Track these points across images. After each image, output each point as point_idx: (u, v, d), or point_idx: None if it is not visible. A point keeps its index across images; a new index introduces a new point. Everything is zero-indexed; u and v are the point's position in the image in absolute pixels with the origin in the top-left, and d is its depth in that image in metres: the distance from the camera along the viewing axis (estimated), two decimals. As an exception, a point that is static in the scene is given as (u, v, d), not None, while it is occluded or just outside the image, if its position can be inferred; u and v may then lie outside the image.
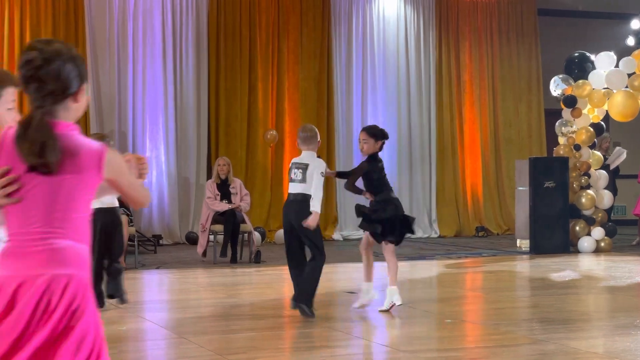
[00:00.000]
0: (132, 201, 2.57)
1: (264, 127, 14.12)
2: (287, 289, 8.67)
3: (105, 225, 6.78)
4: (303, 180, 6.57)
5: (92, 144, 2.38)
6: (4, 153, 2.33)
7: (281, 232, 11.52)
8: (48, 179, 2.31)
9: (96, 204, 2.59)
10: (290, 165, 6.83)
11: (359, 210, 6.99)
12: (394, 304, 6.83)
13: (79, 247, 2.36)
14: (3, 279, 2.31)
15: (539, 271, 10.07)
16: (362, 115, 14.97)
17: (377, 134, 6.95)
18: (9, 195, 2.32)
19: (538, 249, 11.87)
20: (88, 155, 2.35)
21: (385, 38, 15.21)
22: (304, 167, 6.61)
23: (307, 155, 6.70)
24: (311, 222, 6.47)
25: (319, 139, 6.80)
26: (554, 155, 12.68)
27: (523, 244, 12.48)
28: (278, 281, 9.13)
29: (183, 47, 13.80)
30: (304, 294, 6.46)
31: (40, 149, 2.27)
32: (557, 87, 12.72)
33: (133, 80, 13.50)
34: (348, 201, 14.38)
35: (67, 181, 2.33)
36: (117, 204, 7.03)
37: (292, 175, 6.67)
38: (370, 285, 7.03)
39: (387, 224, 6.81)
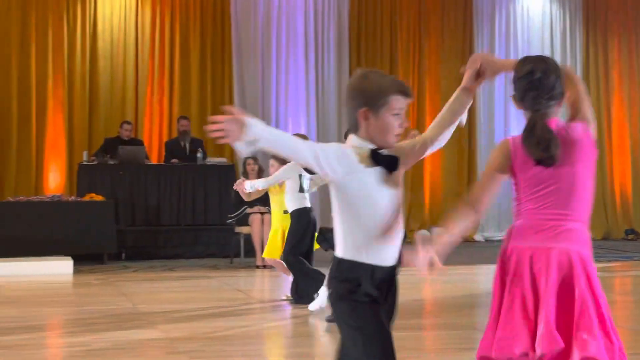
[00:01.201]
0: None
1: (404, 127, 14.09)
2: (429, 289, 8.66)
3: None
4: None
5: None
6: (519, 154, 2.87)
7: (420, 232, 11.44)
8: (552, 171, 2.83)
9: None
10: None
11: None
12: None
13: (581, 228, 2.86)
14: (520, 249, 2.86)
15: (695, 277, 9.60)
16: (504, 115, 14.71)
17: None
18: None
19: (693, 254, 11.35)
20: (583, 145, 2.87)
21: (530, 36, 14.90)
22: None
23: None
24: None
25: None
26: None
27: (676, 248, 11.95)
28: (421, 282, 9.09)
29: (325, 49, 13.99)
30: None
31: (546, 146, 2.79)
32: None
33: (276, 82, 13.79)
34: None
35: (565, 170, 2.83)
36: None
37: None
38: None
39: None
